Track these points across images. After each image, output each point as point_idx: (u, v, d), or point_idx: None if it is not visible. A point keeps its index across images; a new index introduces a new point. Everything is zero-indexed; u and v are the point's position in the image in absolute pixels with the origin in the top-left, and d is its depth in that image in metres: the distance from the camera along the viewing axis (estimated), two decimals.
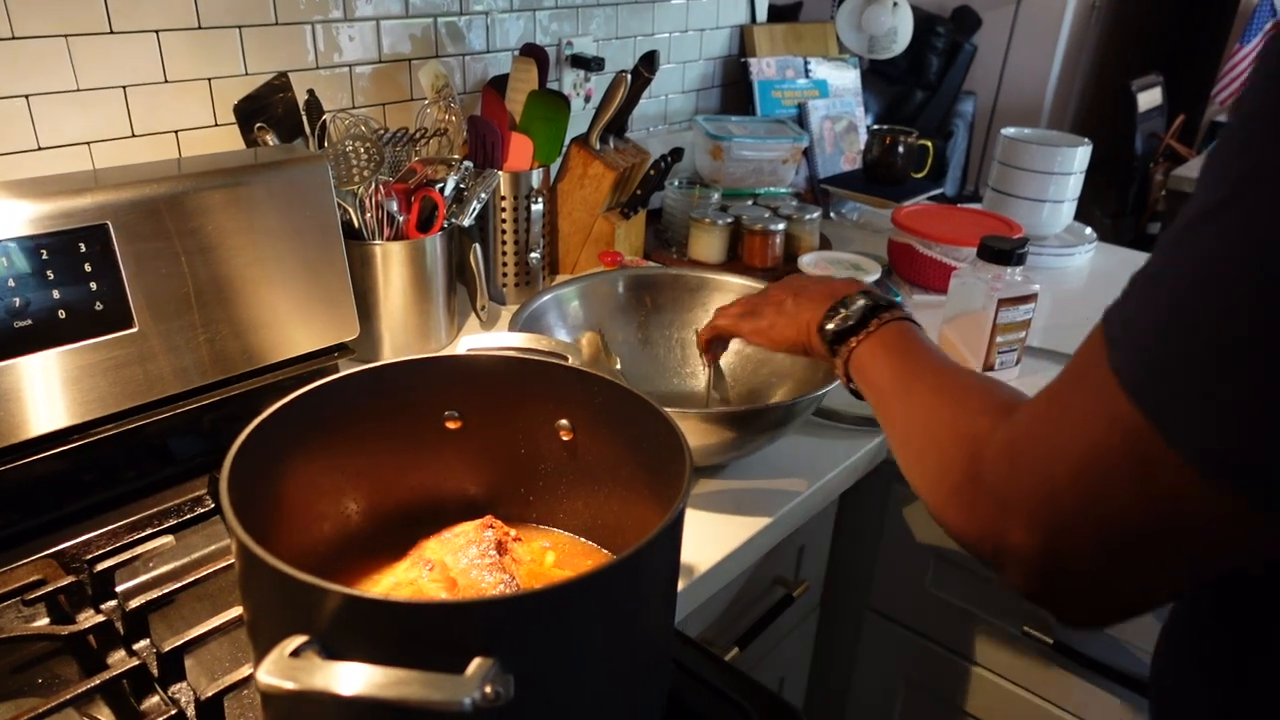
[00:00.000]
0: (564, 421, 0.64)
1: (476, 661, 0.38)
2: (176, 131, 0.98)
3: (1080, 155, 1.42)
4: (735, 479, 0.87)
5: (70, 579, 0.66)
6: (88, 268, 0.72)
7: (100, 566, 0.67)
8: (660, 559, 0.50)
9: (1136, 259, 1.53)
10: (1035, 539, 0.39)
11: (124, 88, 0.93)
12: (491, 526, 0.63)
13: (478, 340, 0.66)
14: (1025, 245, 1.03)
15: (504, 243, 1.19)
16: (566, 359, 0.64)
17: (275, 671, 0.37)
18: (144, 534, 0.72)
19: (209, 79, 0.99)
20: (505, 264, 1.20)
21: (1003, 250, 1.02)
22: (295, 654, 0.39)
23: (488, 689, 0.37)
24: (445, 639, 0.40)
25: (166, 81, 0.96)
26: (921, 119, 2.68)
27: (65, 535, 0.74)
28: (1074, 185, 1.45)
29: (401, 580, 0.59)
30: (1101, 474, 0.37)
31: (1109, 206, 2.97)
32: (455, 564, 0.59)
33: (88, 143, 0.92)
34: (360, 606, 0.40)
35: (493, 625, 0.41)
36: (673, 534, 0.50)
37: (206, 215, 0.79)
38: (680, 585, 0.73)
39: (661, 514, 0.48)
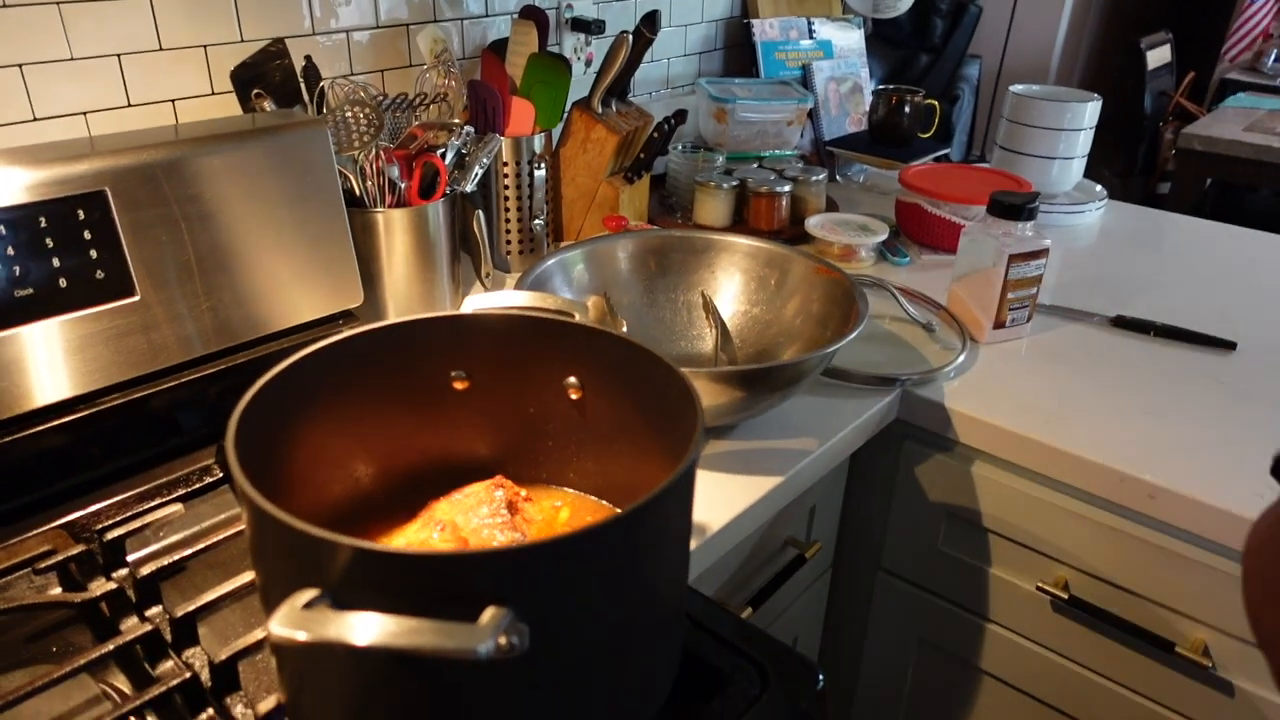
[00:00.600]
0: (572, 380, 0.63)
1: (490, 610, 0.37)
2: (173, 100, 0.97)
3: (1090, 110, 1.40)
4: (745, 439, 0.87)
5: (81, 548, 0.66)
6: (87, 235, 0.72)
7: (110, 535, 0.67)
8: (673, 510, 0.50)
9: (1148, 216, 1.51)
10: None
11: (118, 56, 0.91)
12: (502, 486, 0.62)
13: (483, 300, 0.65)
14: (1036, 200, 1.02)
15: (507, 209, 1.17)
16: (573, 316, 0.63)
17: (288, 623, 0.37)
18: (153, 504, 0.72)
19: (204, 46, 0.97)
20: (509, 231, 1.19)
21: (1014, 205, 1.01)
22: (308, 606, 0.38)
23: (502, 639, 0.37)
24: (457, 590, 0.40)
25: (161, 49, 0.94)
26: (926, 83, 2.64)
27: (74, 507, 0.73)
28: (1084, 141, 1.43)
29: (412, 541, 0.59)
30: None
31: (1118, 166, 2.93)
32: (466, 524, 0.59)
33: (83, 113, 0.90)
34: (372, 559, 0.40)
35: (505, 575, 0.40)
36: (685, 484, 0.50)
37: (206, 181, 0.78)
38: (692, 545, 0.72)
39: (673, 470, 0.47)
